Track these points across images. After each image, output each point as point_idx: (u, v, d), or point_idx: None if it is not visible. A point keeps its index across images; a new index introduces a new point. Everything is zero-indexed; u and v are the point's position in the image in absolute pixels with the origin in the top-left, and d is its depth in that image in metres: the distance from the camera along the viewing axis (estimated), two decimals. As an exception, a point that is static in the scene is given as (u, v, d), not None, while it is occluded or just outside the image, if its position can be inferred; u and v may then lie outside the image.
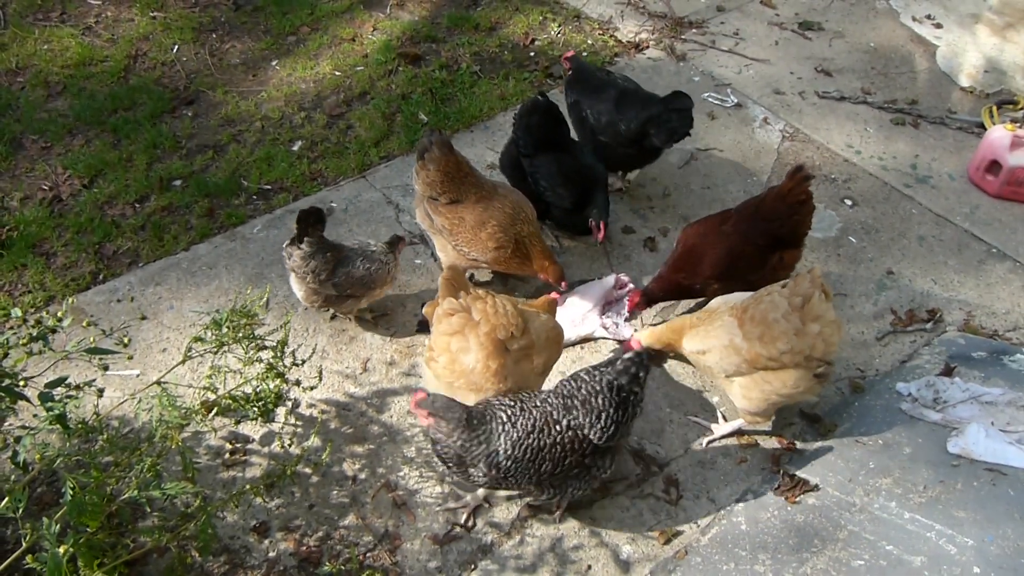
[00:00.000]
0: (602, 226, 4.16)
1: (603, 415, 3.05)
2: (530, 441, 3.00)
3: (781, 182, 3.83)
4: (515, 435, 2.99)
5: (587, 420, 3.05)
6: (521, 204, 3.99)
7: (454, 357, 3.21)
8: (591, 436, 3.05)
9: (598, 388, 3.09)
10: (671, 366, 3.97)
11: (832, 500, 3.37)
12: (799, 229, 3.88)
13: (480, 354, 3.16)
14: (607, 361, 3.21)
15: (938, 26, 6.25)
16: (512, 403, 3.09)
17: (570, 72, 4.69)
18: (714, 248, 3.85)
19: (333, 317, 4.14)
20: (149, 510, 3.19)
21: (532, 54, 5.83)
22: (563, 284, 4.00)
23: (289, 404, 3.70)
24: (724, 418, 3.74)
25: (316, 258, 3.76)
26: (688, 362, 3.77)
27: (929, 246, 4.65)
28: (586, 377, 3.14)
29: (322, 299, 3.89)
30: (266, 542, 3.30)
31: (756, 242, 3.84)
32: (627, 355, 3.14)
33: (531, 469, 3.02)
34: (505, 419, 3.03)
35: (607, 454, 3.17)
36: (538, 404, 3.09)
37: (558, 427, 3.03)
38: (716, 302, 3.62)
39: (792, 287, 3.34)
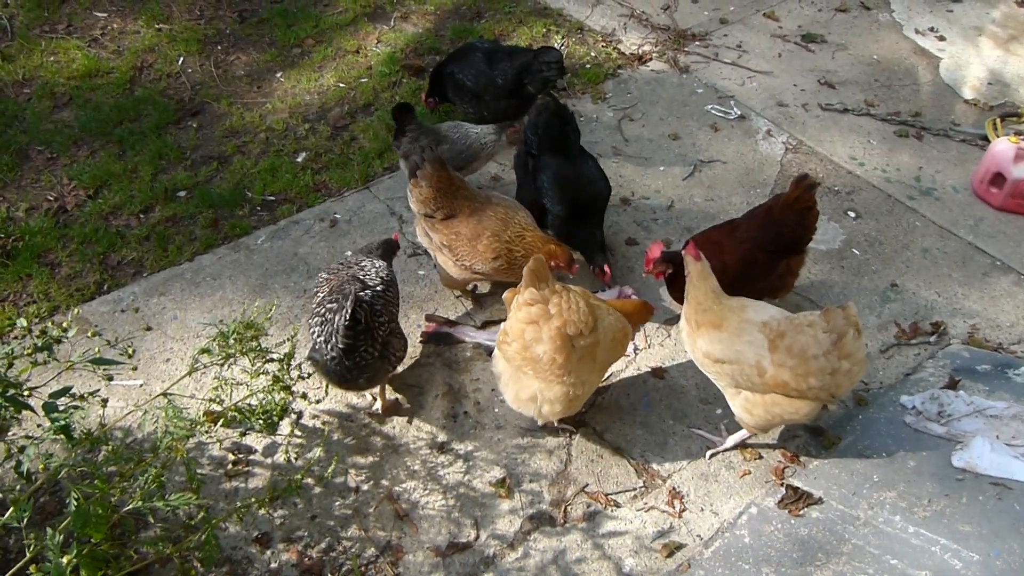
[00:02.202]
0: (606, 268, 4.19)
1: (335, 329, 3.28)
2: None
3: (787, 191, 3.87)
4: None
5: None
6: (513, 210, 3.98)
7: (526, 345, 3.29)
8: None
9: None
10: (674, 378, 3.97)
11: (836, 514, 3.36)
12: (805, 235, 3.93)
13: (549, 347, 3.24)
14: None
15: (941, 39, 6.27)
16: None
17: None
18: (727, 256, 3.85)
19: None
20: (153, 521, 3.19)
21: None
22: (574, 269, 3.94)
23: (293, 416, 3.70)
24: (727, 431, 3.73)
25: (421, 140, 4.31)
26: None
27: (933, 258, 4.65)
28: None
29: None
30: (268, 553, 3.30)
31: (767, 249, 3.88)
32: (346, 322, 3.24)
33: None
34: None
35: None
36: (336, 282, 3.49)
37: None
38: (742, 301, 3.47)
39: (825, 323, 3.21)
